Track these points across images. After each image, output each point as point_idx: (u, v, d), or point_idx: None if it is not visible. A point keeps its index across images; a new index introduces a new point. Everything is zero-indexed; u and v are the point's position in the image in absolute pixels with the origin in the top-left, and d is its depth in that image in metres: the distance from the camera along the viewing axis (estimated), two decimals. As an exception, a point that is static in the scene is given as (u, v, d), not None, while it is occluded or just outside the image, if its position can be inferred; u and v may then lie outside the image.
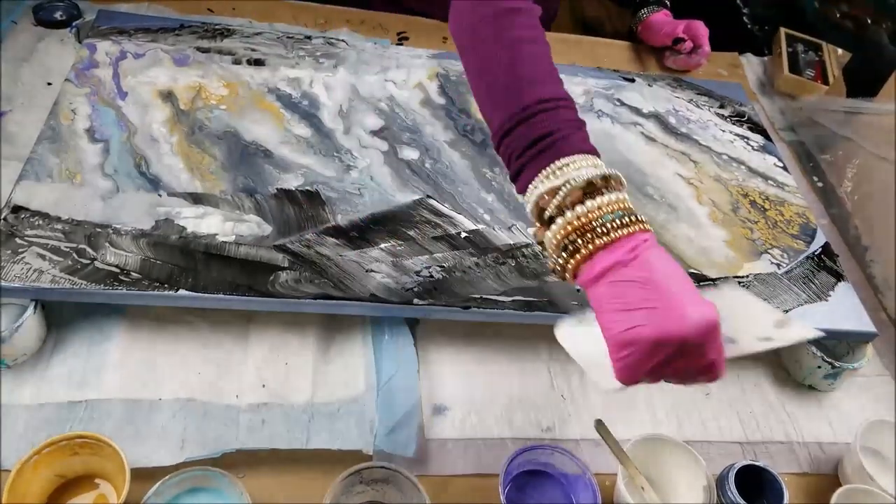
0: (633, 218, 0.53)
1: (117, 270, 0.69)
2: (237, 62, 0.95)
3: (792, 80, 1.20)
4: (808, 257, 0.88)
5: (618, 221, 0.52)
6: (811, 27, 1.39)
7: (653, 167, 0.95)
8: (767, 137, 1.06)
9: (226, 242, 0.74)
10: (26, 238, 0.70)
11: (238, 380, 0.70)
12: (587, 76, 1.07)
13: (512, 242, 0.81)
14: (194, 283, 0.70)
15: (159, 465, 0.62)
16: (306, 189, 0.81)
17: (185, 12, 1.04)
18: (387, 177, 0.85)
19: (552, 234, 0.54)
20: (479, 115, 0.96)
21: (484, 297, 0.74)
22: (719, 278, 0.83)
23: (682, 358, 0.50)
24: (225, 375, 0.70)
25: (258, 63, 0.96)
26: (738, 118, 1.08)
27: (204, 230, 0.74)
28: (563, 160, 0.55)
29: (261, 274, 0.72)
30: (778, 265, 0.86)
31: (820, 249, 0.90)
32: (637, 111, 1.04)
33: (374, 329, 0.76)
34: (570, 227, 0.53)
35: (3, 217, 0.71)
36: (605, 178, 0.54)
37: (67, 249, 0.70)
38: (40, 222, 0.72)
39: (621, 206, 0.53)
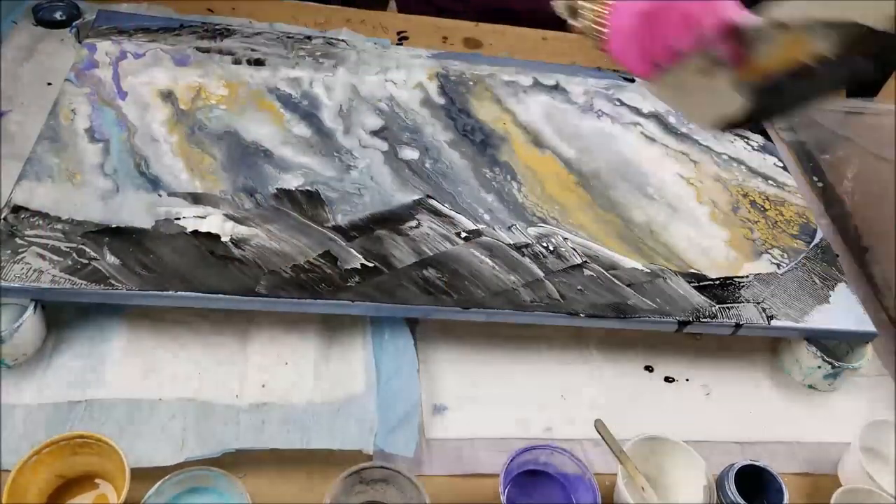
0: None
1: (117, 271, 0.69)
2: (237, 62, 0.95)
3: (792, 80, 1.20)
4: (807, 257, 0.88)
5: None
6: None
7: (653, 167, 0.95)
8: (767, 137, 1.05)
9: (226, 242, 0.74)
10: (26, 238, 0.70)
11: (238, 380, 0.70)
12: (587, 76, 1.07)
13: (512, 242, 0.81)
14: (194, 283, 0.70)
15: (159, 465, 0.62)
16: (306, 189, 0.81)
17: (185, 12, 1.04)
18: (387, 177, 0.85)
19: None
20: (480, 115, 0.96)
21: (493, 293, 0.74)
22: (719, 278, 0.83)
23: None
24: (225, 375, 0.70)
25: (258, 63, 0.96)
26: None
27: (204, 230, 0.74)
28: None
29: (260, 274, 0.72)
30: (778, 265, 0.86)
31: (820, 249, 0.90)
32: (637, 111, 1.04)
33: (374, 329, 0.76)
34: None
35: (3, 217, 0.71)
36: None
37: (67, 249, 0.70)
38: (40, 222, 0.72)
39: None
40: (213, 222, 0.75)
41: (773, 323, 0.80)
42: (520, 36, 1.18)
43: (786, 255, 0.88)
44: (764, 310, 0.80)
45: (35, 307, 0.68)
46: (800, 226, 0.93)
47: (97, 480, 0.62)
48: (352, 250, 0.76)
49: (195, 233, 0.74)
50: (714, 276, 0.83)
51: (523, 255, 0.80)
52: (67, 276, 0.68)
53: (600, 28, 0.64)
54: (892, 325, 0.90)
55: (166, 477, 0.59)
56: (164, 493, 0.59)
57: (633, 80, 1.08)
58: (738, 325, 0.79)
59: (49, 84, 0.91)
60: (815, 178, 1.09)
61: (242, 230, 0.76)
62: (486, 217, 0.83)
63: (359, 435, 0.67)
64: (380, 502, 0.64)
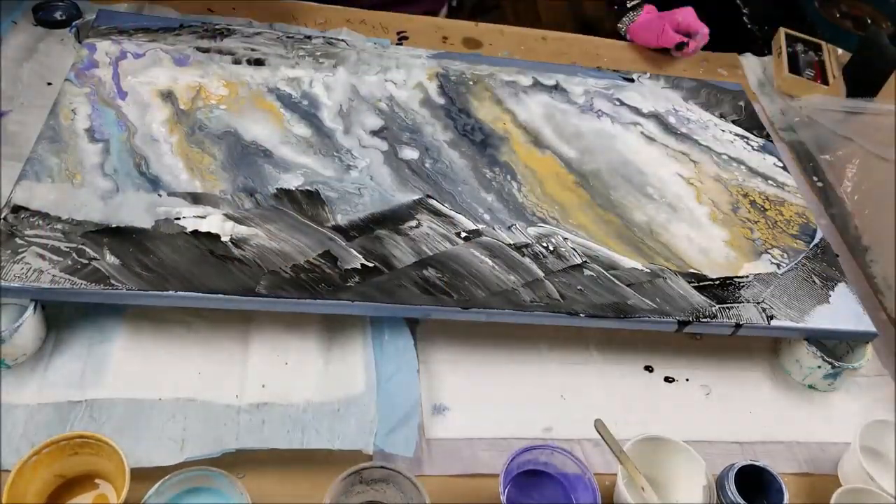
0: None
1: (117, 270, 0.69)
2: (237, 62, 0.95)
3: (792, 80, 1.20)
4: (807, 257, 0.88)
5: None
6: (811, 27, 1.39)
7: (653, 167, 0.95)
8: (767, 137, 1.06)
9: (226, 242, 0.74)
10: (26, 238, 0.70)
11: (238, 380, 0.70)
12: (587, 76, 1.07)
13: (512, 242, 0.81)
14: (194, 283, 0.70)
15: (159, 465, 0.62)
16: (306, 189, 0.81)
17: (185, 12, 1.04)
18: (387, 177, 0.85)
19: None
20: (479, 115, 0.96)
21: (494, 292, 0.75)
22: (719, 278, 0.83)
23: None
24: (225, 375, 0.70)
25: (258, 63, 0.96)
26: (738, 118, 1.08)
27: (204, 230, 0.74)
28: None
29: (260, 274, 0.72)
30: (778, 265, 0.86)
31: (820, 249, 0.90)
32: (637, 111, 1.04)
33: (374, 329, 0.76)
34: None
35: (3, 217, 0.71)
36: None
37: (67, 249, 0.70)
38: (40, 222, 0.72)
39: None
40: (213, 222, 0.75)
41: (773, 323, 0.80)
42: (520, 36, 1.18)
43: (786, 255, 0.88)
44: (764, 310, 0.80)
45: (35, 307, 0.68)
46: (800, 226, 0.93)
47: (97, 480, 0.62)
48: (352, 250, 0.76)
49: (195, 233, 0.74)
50: (714, 276, 0.83)
51: (523, 254, 0.80)
52: (67, 276, 0.68)
53: None
54: (892, 325, 0.91)
55: (166, 477, 0.59)
56: (163, 494, 0.59)
57: (632, 80, 1.09)
58: (738, 325, 0.79)
59: (49, 84, 0.91)
60: (815, 178, 1.09)
61: (242, 230, 0.76)
62: (486, 217, 0.83)
63: (359, 435, 0.67)
64: (380, 502, 0.64)
